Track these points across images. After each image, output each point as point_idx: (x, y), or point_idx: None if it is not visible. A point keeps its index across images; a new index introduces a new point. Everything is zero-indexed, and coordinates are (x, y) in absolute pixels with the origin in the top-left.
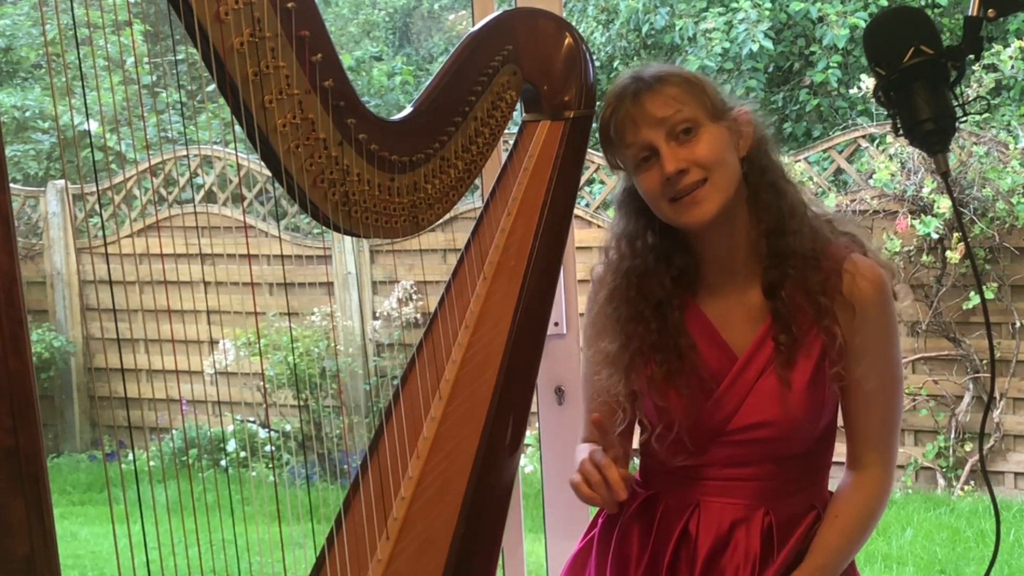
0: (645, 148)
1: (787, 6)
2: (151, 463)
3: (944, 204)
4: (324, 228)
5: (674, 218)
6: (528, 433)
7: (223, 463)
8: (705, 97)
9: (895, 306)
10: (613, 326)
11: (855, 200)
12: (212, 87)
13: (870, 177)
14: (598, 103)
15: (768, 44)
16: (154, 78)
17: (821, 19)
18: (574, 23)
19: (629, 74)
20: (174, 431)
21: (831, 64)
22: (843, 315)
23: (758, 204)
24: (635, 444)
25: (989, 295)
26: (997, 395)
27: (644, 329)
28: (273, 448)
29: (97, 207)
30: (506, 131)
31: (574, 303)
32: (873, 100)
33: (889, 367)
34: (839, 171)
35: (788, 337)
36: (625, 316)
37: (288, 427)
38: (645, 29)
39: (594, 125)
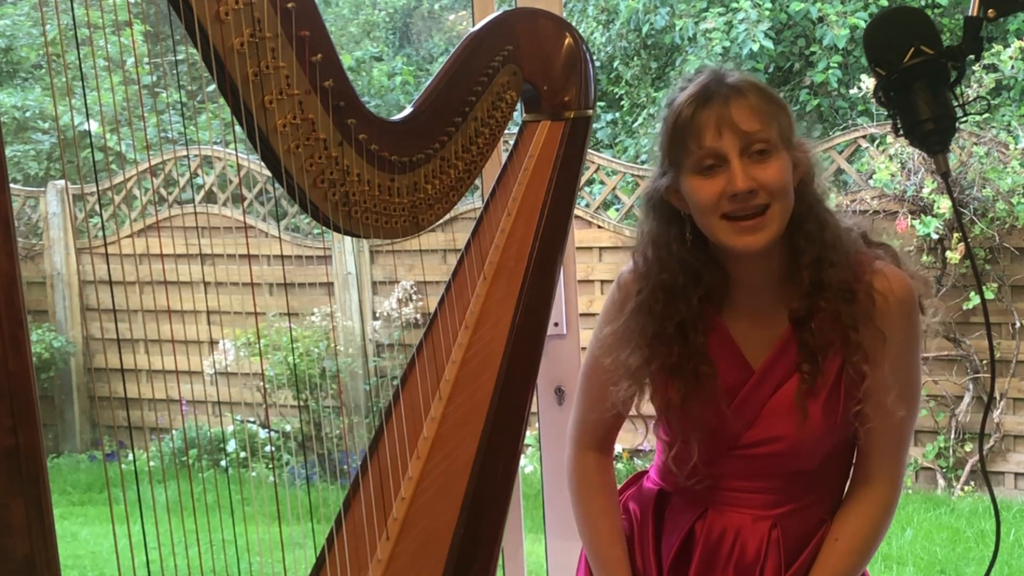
0: (715, 156)
1: (787, 6)
2: (151, 463)
3: (944, 204)
4: (324, 228)
5: (723, 237)
6: (528, 433)
7: (223, 463)
8: (786, 121)
9: (921, 321)
10: (637, 340)
11: (855, 200)
12: (212, 87)
13: (870, 177)
14: (599, 104)
15: (768, 44)
16: (154, 78)
17: (821, 19)
18: (574, 23)
19: (710, 75)
20: (174, 431)
21: (831, 64)
22: (872, 344)
23: (801, 234)
24: (636, 444)
25: (989, 295)
26: (997, 395)
27: (667, 350)
28: (273, 448)
29: (97, 207)
30: (506, 131)
31: (574, 303)
32: (873, 100)
33: (911, 388)
34: (839, 171)
35: (812, 368)
36: (650, 332)
37: (288, 427)
38: (645, 29)
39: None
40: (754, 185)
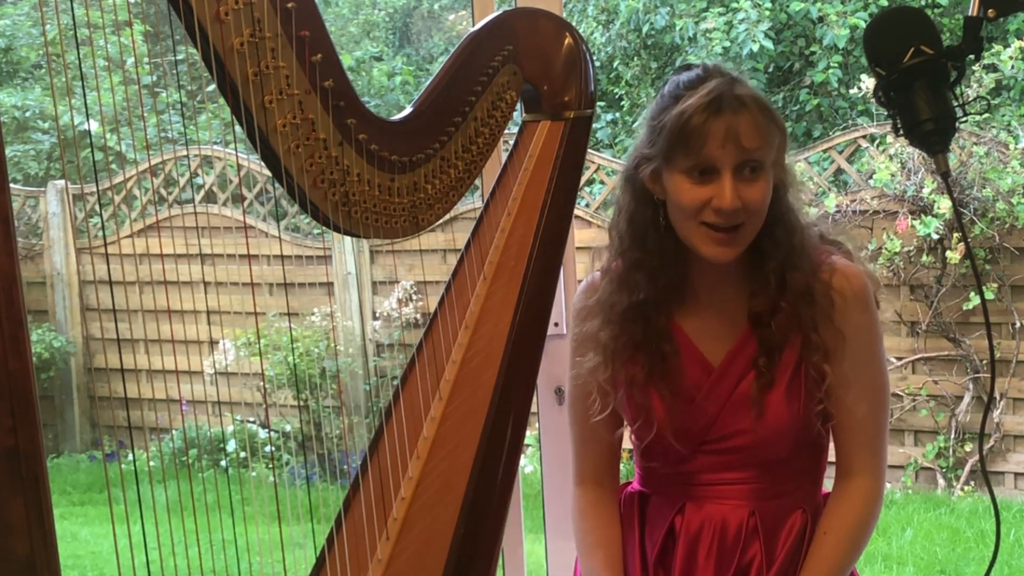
0: (710, 166)
1: (787, 6)
2: (151, 463)
3: (944, 204)
4: (324, 228)
5: (696, 241)
6: (528, 433)
7: (223, 463)
8: (781, 142)
9: (878, 316)
10: (608, 313)
11: (855, 200)
12: (212, 87)
13: (870, 177)
14: (599, 103)
15: (768, 44)
16: (154, 78)
17: (821, 19)
18: (574, 23)
19: (721, 82)
20: (174, 431)
21: (831, 64)
22: (832, 342)
23: (770, 239)
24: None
25: (989, 295)
26: (997, 395)
27: (633, 327)
28: (273, 448)
29: (97, 207)
30: (506, 131)
31: None
32: (873, 100)
33: (873, 382)
34: (839, 171)
35: (768, 362)
36: (623, 306)
37: (288, 427)
38: (645, 29)
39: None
40: (739, 205)
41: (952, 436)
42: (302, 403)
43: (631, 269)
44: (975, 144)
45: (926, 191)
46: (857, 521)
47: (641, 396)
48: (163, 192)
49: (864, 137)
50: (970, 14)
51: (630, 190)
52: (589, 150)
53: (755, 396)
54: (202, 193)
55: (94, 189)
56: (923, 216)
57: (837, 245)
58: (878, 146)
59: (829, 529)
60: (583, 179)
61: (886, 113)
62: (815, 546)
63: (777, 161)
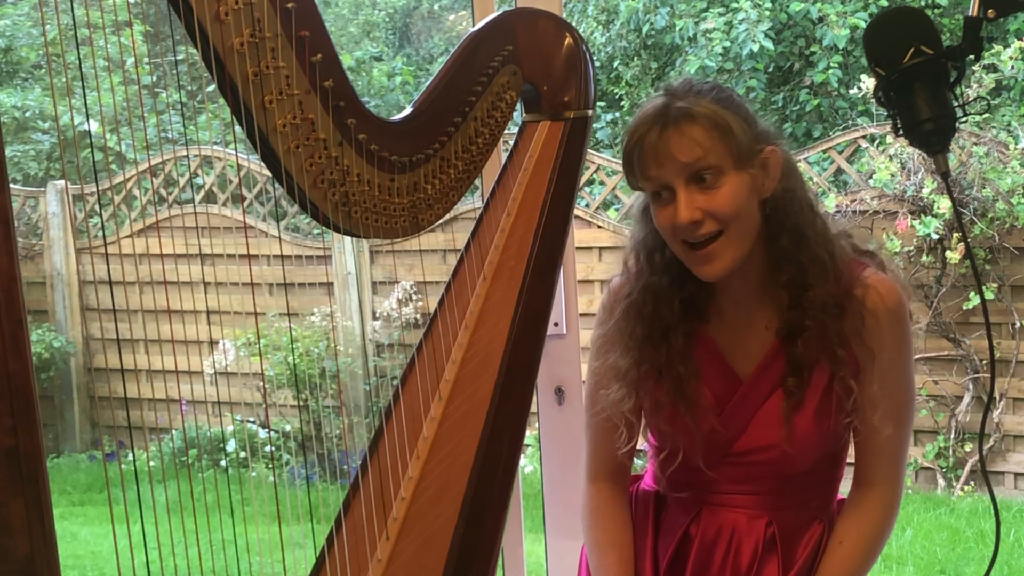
0: (662, 185)
1: (787, 6)
2: (151, 463)
3: (944, 204)
4: (324, 228)
5: (685, 262)
6: (528, 433)
7: (223, 463)
8: (733, 142)
9: (911, 329)
10: (627, 342)
11: (855, 200)
12: (212, 87)
13: (870, 177)
14: (599, 103)
15: (768, 44)
16: (154, 78)
17: (821, 19)
18: (574, 23)
19: (660, 100)
20: (174, 431)
21: (831, 64)
22: (862, 360)
23: (777, 250)
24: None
25: (989, 295)
26: (997, 395)
27: (655, 352)
28: (273, 448)
29: (97, 207)
30: (506, 131)
31: (574, 303)
32: (873, 100)
33: (902, 401)
34: (839, 171)
35: (798, 381)
36: (640, 334)
37: (288, 427)
38: (645, 29)
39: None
40: (699, 216)
41: (952, 436)
42: (302, 403)
43: (645, 294)
44: (975, 144)
45: (926, 191)
46: (873, 530)
47: (667, 423)
48: (163, 192)
49: (864, 137)
50: (970, 14)
51: (642, 220)
52: (589, 150)
53: (784, 416)
54: (202, 193)
55: (94, 189)
56: (923, 216)
57: (871, 255)
58: (878, 146)
59: (845, 538)
60: (583, 179)
61: (886, 113)
62: (829, 554)
63: (747, 160)
